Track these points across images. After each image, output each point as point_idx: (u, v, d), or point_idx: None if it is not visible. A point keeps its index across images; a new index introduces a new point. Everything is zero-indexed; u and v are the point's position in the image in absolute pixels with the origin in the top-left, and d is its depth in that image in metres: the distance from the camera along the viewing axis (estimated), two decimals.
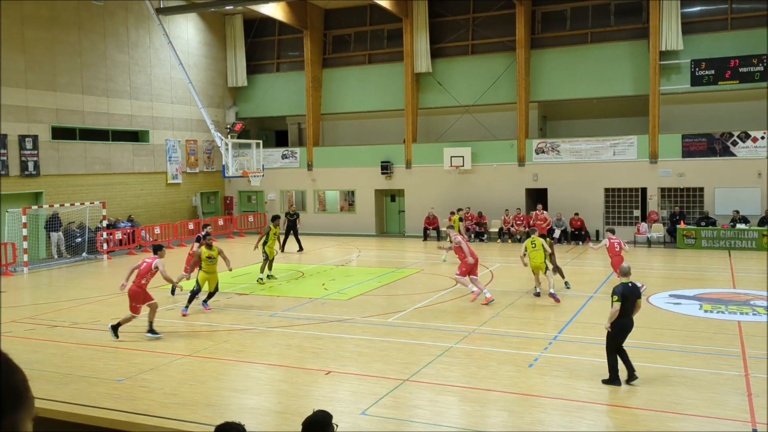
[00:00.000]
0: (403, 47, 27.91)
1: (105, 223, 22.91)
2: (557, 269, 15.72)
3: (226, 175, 22.93)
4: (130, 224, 24.66)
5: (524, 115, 26.20)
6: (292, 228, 23.62)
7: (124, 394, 8.89)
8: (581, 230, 24.65)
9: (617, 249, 15.32)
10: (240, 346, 11.23)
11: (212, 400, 8.65)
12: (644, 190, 24.75)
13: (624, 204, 25.11)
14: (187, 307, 13.62)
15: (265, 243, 17.16)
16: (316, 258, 21.92)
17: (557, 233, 24.68)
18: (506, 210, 25.74)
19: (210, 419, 7.76)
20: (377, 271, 19.08)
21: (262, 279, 17.06)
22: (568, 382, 9.00)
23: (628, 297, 8.66)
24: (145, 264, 11.79)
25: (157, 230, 25.12)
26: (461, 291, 15.56)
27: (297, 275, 18.46)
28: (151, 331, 11.75)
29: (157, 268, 11.70)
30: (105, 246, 22.62)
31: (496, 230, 26.01)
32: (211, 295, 13.97)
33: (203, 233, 15.21)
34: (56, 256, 22.30)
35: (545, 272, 14.55)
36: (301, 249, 23.28)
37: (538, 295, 14.69)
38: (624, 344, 8.81)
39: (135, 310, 11.71)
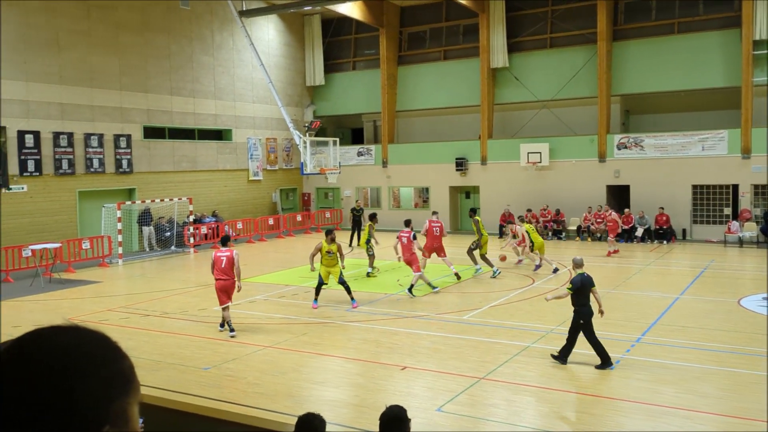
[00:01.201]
0: (479, 42, 27.67)
1: (191, 218, 23.97)
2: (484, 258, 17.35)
3: (305, 172, 23.48)
4: (214, 219, 25.67)
5: (606, 109, 25.45)
6: (356, 224, 24.07)
7: (211, 382, 9.32)
8: (666, 228, 23.72)
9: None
10: (318, 339, 11.53)
11: (292, 391, 8.95)
12: (735, 187, 23.52)
13: (713, 202, 23.97)
14: (316, 300, 13.88)
15: (367, 241, 18.07)
16: (390, 254, 22.09)
17: (640, 232, 23.85)
18: (589, 207, 25.04)
19: (290, 409, 8.03)
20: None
21: (371, 272, 17.91)
22: (652, 385, 8.74)
23: (586, 287, 9.58)
24: (226, 257, 12.00)
25: (240, 225, 26.02)
26: (537, 290, 15.37)
27: (373, 271, 18.69)
28: (225, 324, 12.11)
29: (238, 257, 11.98)
30: (191, 240, 23.67)
31: (575, 228, 25.42)
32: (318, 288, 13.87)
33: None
34: (147, 249, 23.52)
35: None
36: (351, 245, 23.59)
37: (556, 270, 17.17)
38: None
39: (230, 299, 11.90)
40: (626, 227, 23.80)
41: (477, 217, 17.95)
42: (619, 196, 25.33)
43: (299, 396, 8.76)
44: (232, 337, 11.67)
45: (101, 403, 1.08)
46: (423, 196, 30.06)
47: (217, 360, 10.35)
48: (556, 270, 17.40)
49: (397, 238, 15.67)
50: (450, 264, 16.66)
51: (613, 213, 22.03)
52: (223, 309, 11.92)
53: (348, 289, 13.83)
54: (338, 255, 13.81)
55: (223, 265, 11.89)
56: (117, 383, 1.11)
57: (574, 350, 10.41)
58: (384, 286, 16.33)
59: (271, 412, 8.01)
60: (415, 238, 15.61)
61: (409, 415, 4.64)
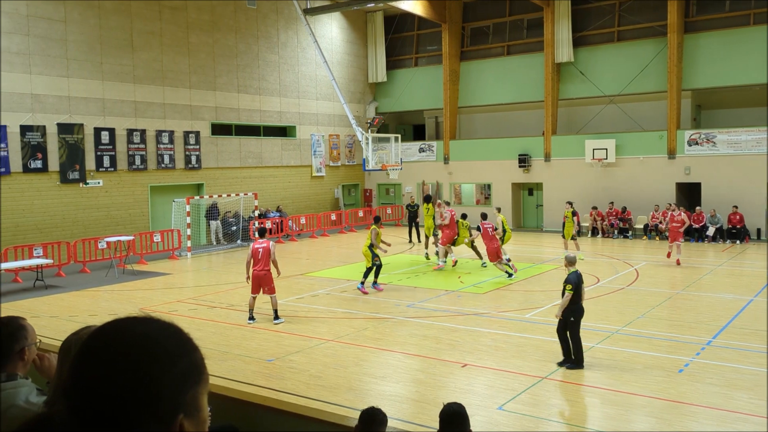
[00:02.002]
0: (543, 37, 27.20)
1: (257, 213, 24.57)
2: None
3: (366, 168, 23.67)
4: (278, 214, 26.22)
5: (676, 104, 24.59)
6: (412, 220, 24.11)
7: (275, 373, 9.56)
8: (740, 228, 22.75)
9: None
10: (379, 334, 11.65)
11: (353, 385, 9.08)
12: None
13: None
14: (376, 282, 15.27)
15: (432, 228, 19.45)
16: (455, 250, 22.03)
17: (711, 231, 22.97)
18: (656, 206, 24.31)
19: (351, 403, 8.17)
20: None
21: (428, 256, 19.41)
22: (724, 390, 8.44)
23: (580, 285, 9.38)
24: (263, 248, 12.37)
25: (303, 220, 26.48)
26: (601, 289, 15.05)
27: (432, 267, 18.71)
28: (277, 317, 12.48)
29: (274, 247, 12.48)
30: (257, 234, 24.21)
31: (642, 227, 24.70)
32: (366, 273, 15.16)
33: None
34: (215, 243, 24.26)
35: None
36: (411, 241, 23.62)
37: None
38: None
39: (272, 290, 12.40)
40: (697, 226, 22.97)
41: (501, 216, 18.69)
42: (689, 194, 24.45)
43: (360, 390, 8.88)
44: (249, 323, 12.33)
45: (177, 393, 1.14)
46: (485, 192, 29.82)
47: (280, 352, 10.60)
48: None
49: (479, 229, 17.11)
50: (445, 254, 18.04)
51: (683, 213, 19.43)
52: (254, 299, 12.46)
53: (377, 272, 15.14)
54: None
55: (260, 256, 12.32)
56: (191, 374, 1.18)
57: (634, 352, 10.16)
58: (445, 283, 16.32)
59: (332, 404, 8.15)
60: (495, 229, 17.18)
61: (470, 412, 4.66)
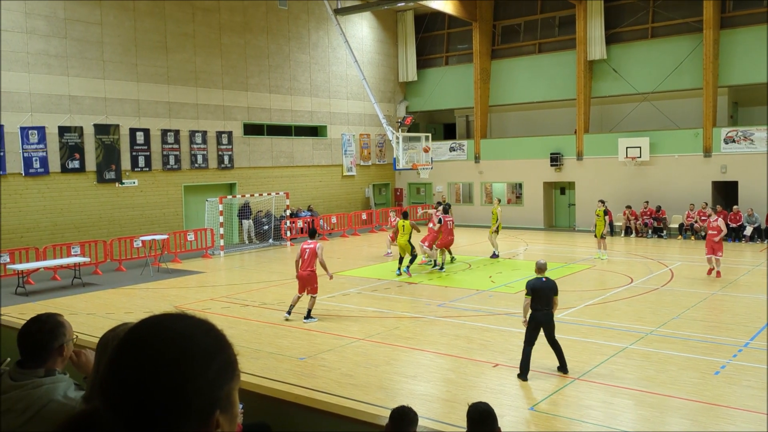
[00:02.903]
0: (575, 34, 26.89)
1: (288, 212, 24.78)
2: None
3: (397, 167, 23.69)
4: (309, 213, 26.41)
5: (712, 101, 24.09)
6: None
7: (306, 372, 9.64)
8: None
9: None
10: (410, 334, 11.66)
11: (384, 384, 9.11)
12: None
13: None
14: (408, 267, 17.15)
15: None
16: (483, 250, 21.96)
17: (749, 230, 22.45)
18: (691, 205, 23.85)
19: (382, 401, 8.19)
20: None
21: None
22: (762, 393, 8.26)
23: (544, 290, 8.94)
24: (309, 249, 12.52)
25: (334, 219, 26.63)
26: (635, 290, 14.83)
27: (464, 266, 18.66)
28: (309, 317, 12.58)
29: (321, 249, 12.53)
30: (288, 233, 24.47)
31: (677, 226, 24.26)
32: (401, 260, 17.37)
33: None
34: (247, 242, 24.54)
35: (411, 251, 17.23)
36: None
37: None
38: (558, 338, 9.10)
39: (314, 290, 12.53)
40: (734, 225, 22.47)
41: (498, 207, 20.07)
42: (726, 192, 23.93)
43: (391, 389, 8.91)
44: (285, 317, 12.64)
45: (214, 389, 1.17)
46: (516, 191, 29.60)
47: (312, 350, 10.68)
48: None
49: (441, 222, 17.71)
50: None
51: (720, 219, 16.39)
52: (298, 297, 12.63)
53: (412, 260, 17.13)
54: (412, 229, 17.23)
55: (306, 256, 12.50)
56: (226, 370, 1.20)
57: (669, 353, 9.98)
58: (476, 283, 16.26)
59: (363, 403, 8.17)
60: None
61: (501, 413, 4.65)
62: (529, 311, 9.01)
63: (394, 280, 16.71)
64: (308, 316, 12.57)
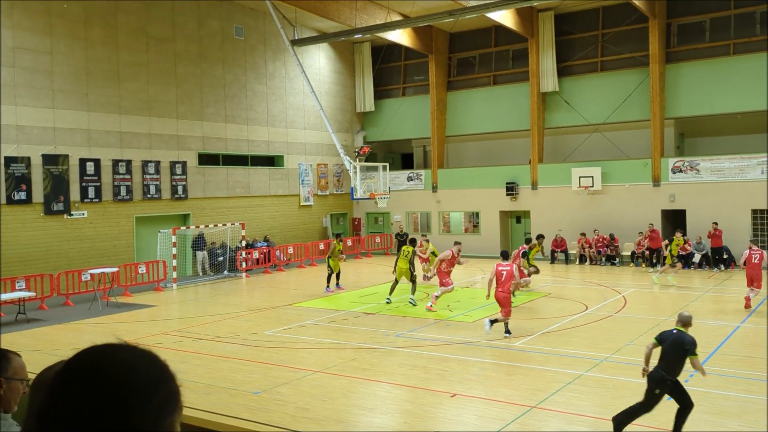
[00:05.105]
0: (528, 67, 27.59)
1: (244, 243, 24.41)
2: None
3: (355, 197, 23.67)
4: (266, 244, 26.07)
5: (659, 132, 24.91)
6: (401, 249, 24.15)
7: (261, 407, 9.38)
8: (721, 250, 22.79)
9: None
10: (367, 365, 11.50)
11: (341, 417, 8.93)
12: None
13: None
14: (413, 298, 17.12)
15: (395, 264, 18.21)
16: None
17: (697, 257, 23.08)
18: (640, 233, 24.43)
19: None
20: None
21: (390, 300, 17.50)
22: (715, 418, 8.40)
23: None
24: (506, 271, 12.96)
25: (291, 250, 26.34)
26: (591, 316, 15.01)
27: (421, 296, 18.60)
28: (508, 331, 13.10)
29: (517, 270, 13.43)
30: (244, 264, 24.06)
31: (629, 254, 24.79)
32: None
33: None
34: (201, 274, 24.02)
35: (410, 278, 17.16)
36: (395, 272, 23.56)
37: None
38: None
39: (508, 313, 13.01)
40: (683, 253, 23.07)
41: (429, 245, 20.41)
42: (674, 220, 24.62)
43: (348, 421, 8.73)
44: (506, 336, 12.97)
45: (158, 420, 1.12)
46: (473, 220, 29.88)
47: (267, 384, 10.43)
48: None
49: (495, 272, 13.39)
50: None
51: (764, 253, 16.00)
52: (502, 317, 13.02)
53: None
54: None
55: (503, 278, 12.99)
56: (169, 402, 1.16)
57: (623, 379, 10.07)
58: (434, 313, 16.21)
59: None
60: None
61: None
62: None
63: (352, 310, 16.52)
64: (506, 331, 13.08)
